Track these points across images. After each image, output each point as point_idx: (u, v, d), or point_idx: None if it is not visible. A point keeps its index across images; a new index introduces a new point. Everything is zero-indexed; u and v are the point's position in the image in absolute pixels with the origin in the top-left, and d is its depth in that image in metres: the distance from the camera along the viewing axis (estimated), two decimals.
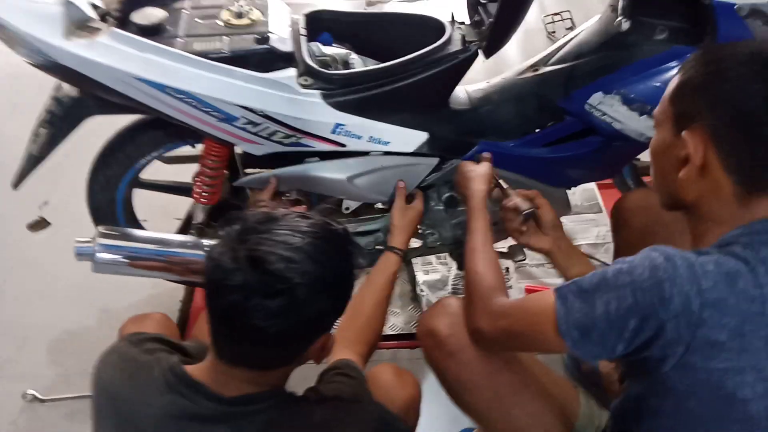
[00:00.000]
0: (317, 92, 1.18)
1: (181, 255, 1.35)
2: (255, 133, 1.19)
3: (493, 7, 1.23)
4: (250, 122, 1.17)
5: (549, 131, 1.38)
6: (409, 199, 1.37)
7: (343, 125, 1.22)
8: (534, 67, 1.40)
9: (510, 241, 1.37)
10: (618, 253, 1.37)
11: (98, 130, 1.36)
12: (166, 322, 1.27)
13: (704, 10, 1.15)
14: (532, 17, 2.94)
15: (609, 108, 1.28)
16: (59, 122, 1.21)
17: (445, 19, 1.31)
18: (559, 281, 1.31)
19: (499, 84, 1.42)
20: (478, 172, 1.24)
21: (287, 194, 1.37)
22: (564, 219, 1.95)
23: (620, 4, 1.25)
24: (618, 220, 1.36)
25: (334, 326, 0.82)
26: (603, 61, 1.28)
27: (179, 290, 1.75)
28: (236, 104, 1.14)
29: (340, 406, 0.81)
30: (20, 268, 1.91)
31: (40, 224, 2.02)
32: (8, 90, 2.48)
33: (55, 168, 2.04)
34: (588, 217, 1.98)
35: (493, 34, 1.22)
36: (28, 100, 1.28)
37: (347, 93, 1.20)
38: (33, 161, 1.28)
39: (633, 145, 1.29)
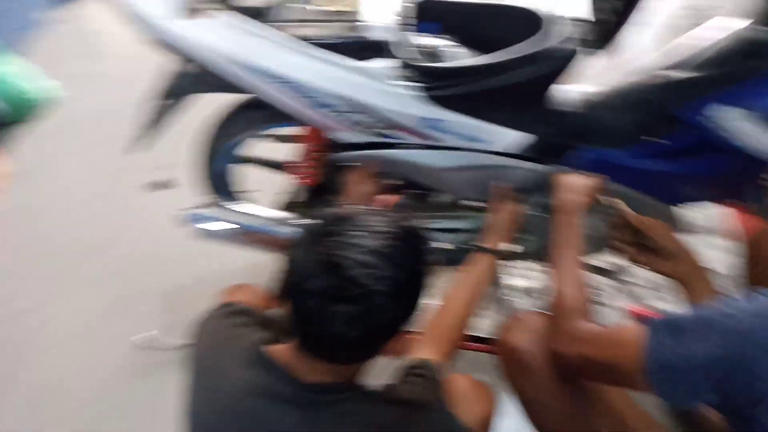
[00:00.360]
0: (410, 83, 1.16)
1: (275, 231, 1.42)
2: (347, 121, 1.21)
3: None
4: (343, 110, 1.18)
5: (667, 143, 1.26)
6: (507, 200, 1.32)
7: (438, 120, 1.20)
8: (653, 70, 1.28)
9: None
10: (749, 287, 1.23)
11: (217, 103, 1.45)
12: (259, 293, 1.34)
13: None
14: (669, 9, 2.68)
15: (737, 123, 1.14)
16: (174, 94, 1.31)
17: (550, 12, 1.22)
18: (669, 306, 1.20)
19: (612, 86, 1.31)
20: (579, 183, 1.16)
21: (384, 178, 1.37)
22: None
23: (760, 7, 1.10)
24: (756, 252, 1.21)
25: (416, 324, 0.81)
26: (738, 71, 1.13)
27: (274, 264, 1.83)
28: (330, 91, 1.16)
29: (411, 411, 0.81)
30: (140, 225, 2.10)
31: (161, 185, 2.22)
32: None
33: (180, 136, 2.23)
34: (714, 242, 1.79)
35: (599, 31, 1.13)
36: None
37: (443, 87, 1.17)
38: (147, 129, 1.38)
39: (758, 164, 1.14)
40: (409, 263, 0.72)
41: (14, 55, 2.62)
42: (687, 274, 1.03)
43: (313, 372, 0.77)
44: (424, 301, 0.78)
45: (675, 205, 1.39)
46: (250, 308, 0.94)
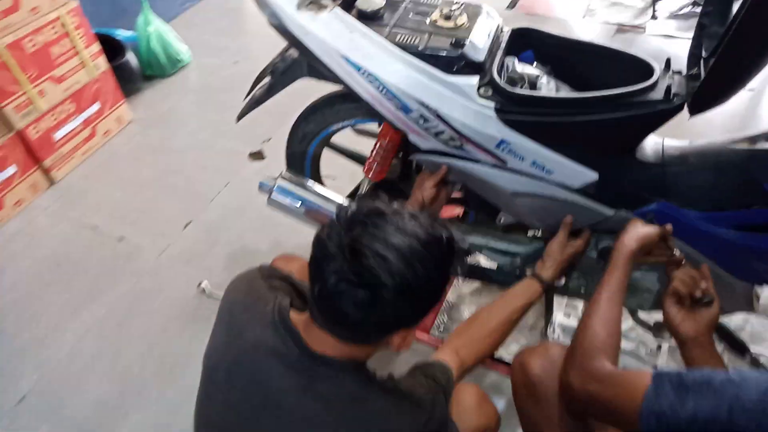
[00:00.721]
0: (492, 104, 1.19)
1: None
2: (424, 128, 1.26)
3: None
4: (423, 117, 1.24)
5: (746, 214, 1.20)
6: (571, 236, 1.32)
7: (509, 143, 1.22)
8: (753, 139, 1.22)
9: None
10: None
11: (325, 89, 1.56)
12: (306, 267, 1.42)
13: None
14: None
15: None
16: (279, 76, 1.43)
17: (657, 64, 1.20)
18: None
19: (703, 146, 1.26)
20: (638, 230, 1.14)
21: (453, 187, 1.41)
22: (752, 318, 1.70)
23: None
24: None
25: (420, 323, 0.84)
26: None
27: None
28: (415, 98, 1.22)
29: (404, 403, 0.84)
30: (233, 186, 2.31)
31: (258, 155, 2.41)
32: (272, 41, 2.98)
33: (283, 112, 2.40)
34: None
35: (702, 91, 1.10)
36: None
37: (522, 113, 1.19)
38: (254, 103, 1.53)
39: None
40: (426, 269, 0.74)
41: (167, 24, 2.95)
42: (702, 346, 0.99)
43: (323, 344, 0.81)
44: (432, 308, 0.80)
45: (750, 282, 1.32)
46: (289, 275, 1.00)
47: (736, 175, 1.20)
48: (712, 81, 1.05)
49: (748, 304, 1.36)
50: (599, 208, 1.30)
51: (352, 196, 1.64)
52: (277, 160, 1.94)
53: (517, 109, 1.19)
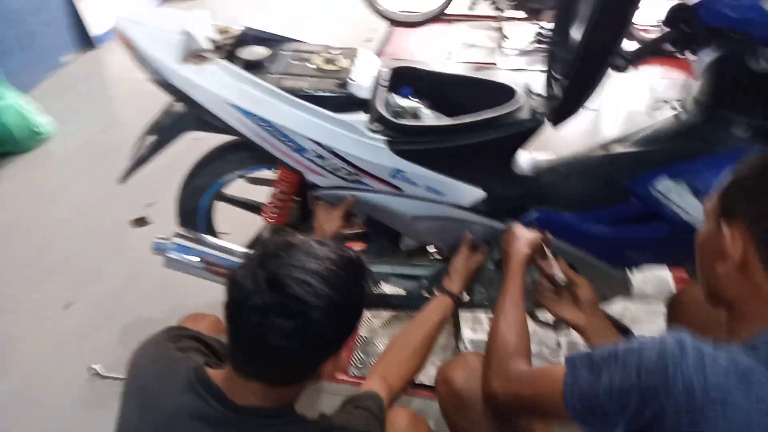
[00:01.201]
0: (383, 138, 1.27)
1: None
2: (321, 166, 1.31)
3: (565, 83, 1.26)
4: (319, 156, 1.29)
5: (612, 210, 1.37)
6: (471, 251, 1.41)
7: (402, 171, 1.30)
8: (606, 146, 1.41)
9: None
10: None
11: (205, 146, 1.56)
12: (217, 324, 1.37)
13: None
14: (639, 101, 2.91)
15: (677, 196, 1.25)
16: (164, 132, 1.41)
17: (519, 88, 1.36)
18: None
19: (568, 157, 1.44)
20: (525, 235, 1.25)
21: (354, 218, 1.45)
22: (631, 305, 1.90)
23: (701, 96, 1.24)
24: (672, 312, 1.30)
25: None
26: (677, 148, 1.27)
27: None
28: (309, 138, 1.26)
29: None
30: (118, 256, 2.17)
31: (141, 221, 2.29)
32: (148, 103, 2.90)
33: (165, 174, 2.32)
34: (657, 309, 1.88)
35: (560, 108, 1.26)
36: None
37: (411, 142, 1.28)
38: (138, 161, 1.48)
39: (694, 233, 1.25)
40: (346, 288, 0.77)
41: (21, 92, 2.76)
42: (597, 328, 1.10)
43: (249, 395, 0.79)
44: (357, 327, 0.83)
45: (623, 268, 1.48)
46: (198, 334, 0.97)
47: (598, 177, 1.38)
48: (569, 95, 1.21)
49: (626, 290, 1.53)
50: (491, 223, 1.41)
51: (253, 245, 1.62)
52: (164, 224, 1.86)
53: (406, 140, 1.28)
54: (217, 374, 0.82)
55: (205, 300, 1.87)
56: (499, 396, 0.94)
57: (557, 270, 1.19)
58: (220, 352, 0.96)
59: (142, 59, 1.26)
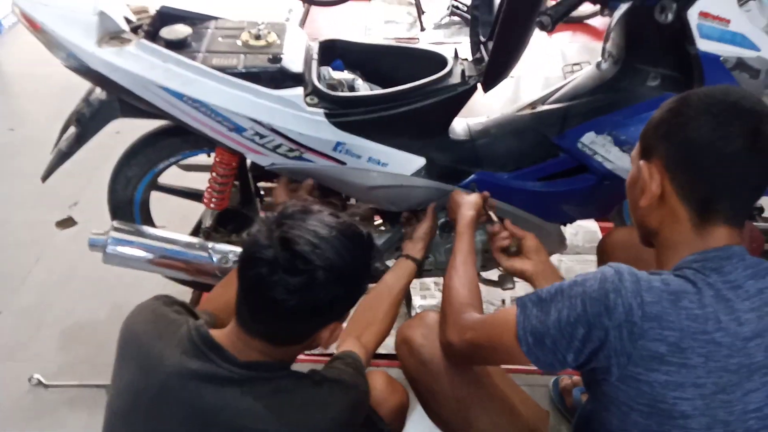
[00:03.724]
0: (321, 111, 1.27)
1: (186, 255, 1.45)
2: (261, 145, 1.29)
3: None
4: (258, 134, 1.27)
5: (543, 166, 1.44)
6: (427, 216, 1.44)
7: (343, 144, 1.31)
8: (532, 105, 1.48)
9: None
10: None
11: (128, 139, 1.49)
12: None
13: (692, 61, 1.21)
14: (554, 66, 3.05)
15: (601, 148, 1.34)
16: (87, 122, 1.33)
17: (448, 54, 1.40)
18: None
19: (498, 119, 1.49)
20: (467, 199, 1.30)
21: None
22: (564, 257, 2.02)
23: (615, 50, 1.32)
24: (602, 256, 1.39)
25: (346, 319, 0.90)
26: (597, 102, 1.34)
27: (188, 293, 1.83)
28: (246, 116, 1.24)
29: (335, 389, 0.89)
30: (45, 259, 2.04)
31: (67, 222, 2.16)
32: (59, 98, 2.71)
33: (87, 172, 2.19)
34: (589, 258, 2.01)
35: (489, 70, 1.30)
36: (72, 107, 1.43)
37: (349, 114, 1.29)
38: (61, 157, 1.39)
39: (624, 185, 1.34)
40: (352, 258, 0.82)
41: None
42: (543, 272, 1.17)
43: (251, 351, 0.83)
44: (357, 299, 0.88)
45: (557, 224, 1.57)
46: (185, 303, 0.99)
47: (528, 136, 1.44)
48: (496, 58, 1.26)
49: (561, 244, 1.63)
50: (445, 187, 1.44)
51: (195, 232, 1.58)
52: (92, 223, 1.77)
53: (344, 111, 1.28)
54: (217, 333, 0.85)
55: (147, 293, 1.81)
56: (456, 345, 0.99)
57: (501, 227, 1.24)
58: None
59: (54, 44, 1.18)
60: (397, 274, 1.31)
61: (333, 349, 1.08)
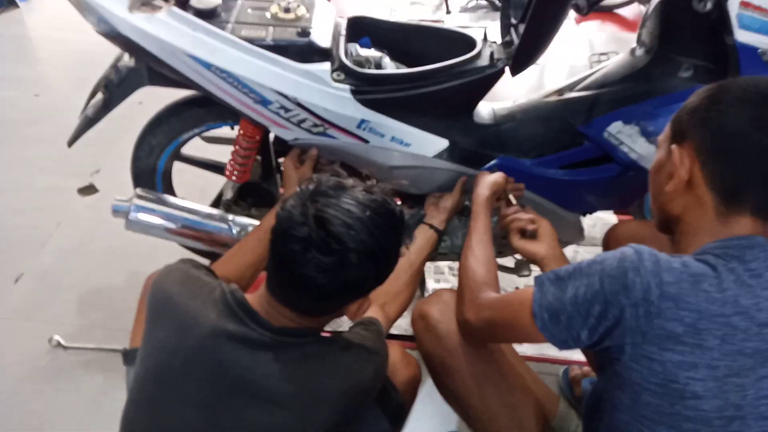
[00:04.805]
0: (347, 87, 1.26)
1: (206, 225, 1.46)
2: (286, 119, 1.29)
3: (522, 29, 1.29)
4: (283, 107, 1.27)
5: (567, 154, 1.42)
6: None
7: (368, 122, 1.30)
8: (559, 91, 1.46)
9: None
10: None
11: (150, 110, 1.49)
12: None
13: (729, 52, 1.18)
14: (580, 55, 3.00)
15: (627, 138, 1.32)
16: (115, 88, 1.34)
17: (478, 36, 1.38)
18: None
19: (524, 104, 1.47)
20: (487, 179, 1.29)
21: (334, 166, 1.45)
22: (580, 249, 2.00)
23: (648, 39, 1.30)
24: (607, 249, 1.38)
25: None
26: (626, 92, 1.32)
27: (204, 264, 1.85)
28: (272, 89, 1.24)
29: (362, 353, 0.91)
30: (65, 225, 2.07)
31: (89, 189, 2.20)
32: (84, 65, 2.73)
33: (108, 141, 2.21)
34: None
35: (519, 54, 1.29)
36: (98, 74, 1.44)
37: (375, 92, 1.28)
38: (88, 122, 1.41)
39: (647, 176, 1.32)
40: (385, 238, 0.82)
41: None
42: (556, 257, 1.15)
43: (281, 318, 0.84)
44: (389, 274, 0.88)
45: (576, 214, 1.56)
46: (211, 268, 1.00)
47: (553, 123, 1.42)
48: (527, 41, 1.24)
49: (579, 234, 1.61)
50: (466, 170, 1.43)
51: (216, 204, 1.59)
52: (112, 191, 1.79)
53: (370, 89, 1.28)
54: (250, 297, 0.86)
55: (162, 262, 1.83)
56: (472, 323, 1.00)
57: (520, 210, 1.23)
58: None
59: (85, 7, 1.19)
60: (419, 244, 1.32)
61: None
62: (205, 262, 1.79)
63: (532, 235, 1.21)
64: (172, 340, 0.85)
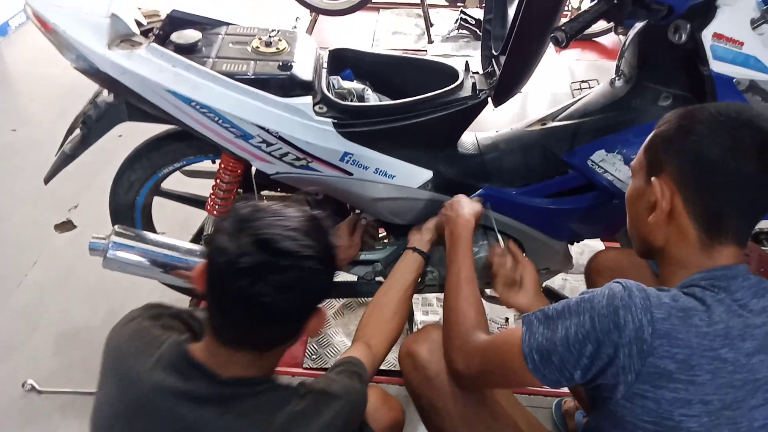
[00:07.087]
0: (330, 120, 1.25)
1: (187, 261, 1.43)
2: (268, 153, 1.27)
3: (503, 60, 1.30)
4: (265, 141, 1.25)
5: (551, 183, 1.42)
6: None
7: (351, 154, 1.29)
8: (542, 121, 1.46)
9: None
10: None
11: (129, 143, 1.47)
12: None
13: (706, 81, 1.20)
14: (562, 82, 3.05)
15: (611, 166, 1.32)
16: (93, 124, 1.32)
17: (459, 67, 1.38)
18: None
19: (507, 134, 1.48)
20: (469, 205, 1.27)
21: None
22: (569, 277, 1.99)
23: (627, 69, 1.31)
24: (589, 279, 1.38)
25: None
26: (608, 120, 1.33)
27: (185, 301, 1.81)
28: (254, 123, 1.23)
29: (321, 399, 0.86)
30: (43, 262, 2.02)
31: (66, 225, 2.15)
32: (63, 100, 2.70)
33: (87, 175, 2.17)
34: None
35: (501, 85, 1.29)
36: (77, 109, 1.41)
37: (358, 125, 1.27)
38: (65, 159, 1.38)
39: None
40: (324, 240, 0.81)
41: None
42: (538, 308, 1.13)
43: (232, 366, 0.80)
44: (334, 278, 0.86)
45: (564, 242, 1.55)
46: (180, 311, 0.95)
47: (537, 152, 1.42)
48: (508, 72, 1.24)
49: (567, 263, 1.61)
50: (439, 199, 1.41)
51: (197, 239, 1.56)
52: (91, 226, 1.75)
53: (353, 122, 1.27)
54: (198, 349, 0.82)
55: (143, 299, 1.78)
56: (462, 372, 0.97)
57: (508, 252, 1.21)
58: (201, 320, 0.94)
59: (64, 45, 1.17)
60: (405, 269, 1.26)
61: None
62: (186, 299, 1.79)
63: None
64: (115, 398, 0.82)
